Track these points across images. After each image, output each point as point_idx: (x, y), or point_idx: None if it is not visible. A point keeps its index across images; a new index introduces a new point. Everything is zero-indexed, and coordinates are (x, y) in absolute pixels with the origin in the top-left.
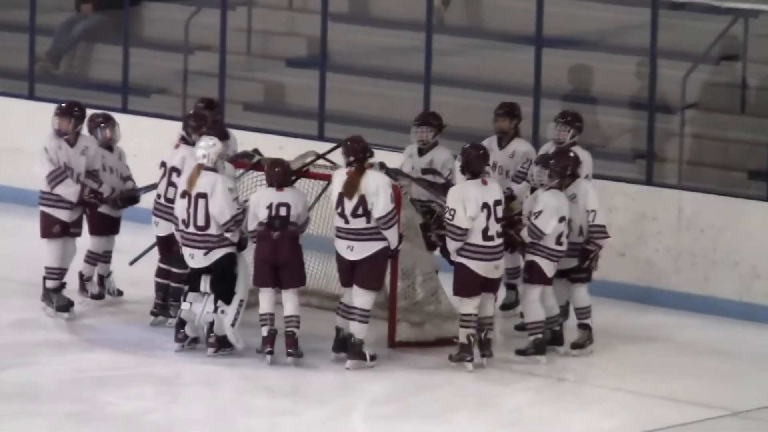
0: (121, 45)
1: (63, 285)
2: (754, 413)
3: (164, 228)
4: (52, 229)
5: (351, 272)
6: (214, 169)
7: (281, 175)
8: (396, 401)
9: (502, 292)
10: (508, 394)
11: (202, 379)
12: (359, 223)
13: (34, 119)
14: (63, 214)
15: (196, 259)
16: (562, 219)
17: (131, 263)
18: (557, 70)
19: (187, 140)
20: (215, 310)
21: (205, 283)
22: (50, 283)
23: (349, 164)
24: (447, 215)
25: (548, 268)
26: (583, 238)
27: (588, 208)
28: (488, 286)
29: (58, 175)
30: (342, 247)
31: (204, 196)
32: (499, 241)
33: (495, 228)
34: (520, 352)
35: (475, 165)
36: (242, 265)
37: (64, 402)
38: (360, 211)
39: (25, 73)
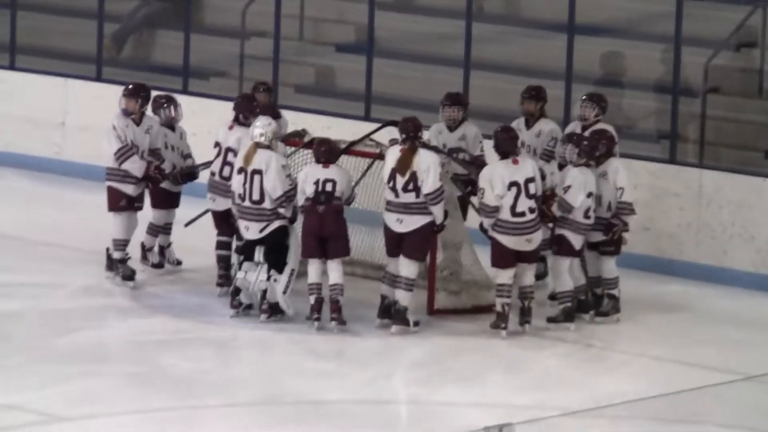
0: (182, 31)
1: (128, 256)
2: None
3: (221, 203)
4: (119, 202)
5: (398, 243)
6: (269, 147)
7: (328, 153)
8: (434, 365)
9: None
10: (539, 359)
11: (254, 342)
12: (409, 198)
13: (101, 99)
14: (129, 189)
15: (251, 231)
16: (589, 194)
17: (186, 225)
18: (588, 55)
19: (241, 122)
20: (268, 279)
21: (258, 254)
22: (117, 254)
23: (402, 142)
24: (478, 194)
25: (576, 241)
26: (611, 214)
27: (617, 186)
28: (523, 257)
29: (125, 152)
30: (391, 219)
31: (259, 172)
32: (530, 216)
33: (525, 204)
34: (550, 320)
35: (503, 146)
36: (293, 237)
37: (127, 363)
38: (411, 186)
39: (93, 56)
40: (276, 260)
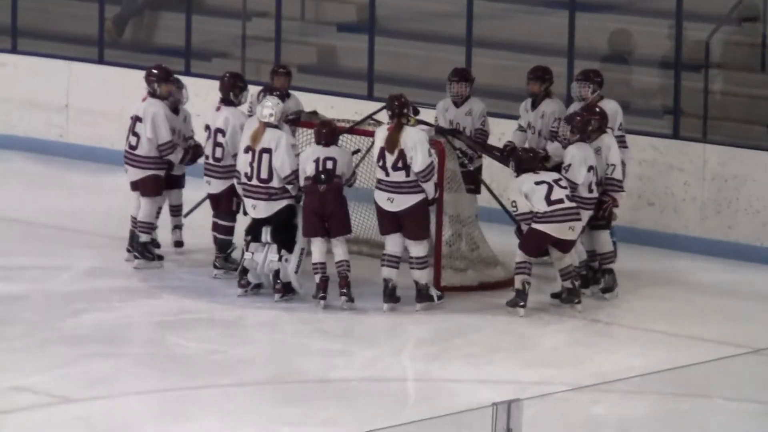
0: (184, 12)
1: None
2: None
3: (216, 186)
4: (158, 189)
5: (390, 221)
6: (277, 127)
7: (328, 134)
8: (441, 342)
9: None
10: (546, 335)
11: (261, 322)
12: (399, 176)
13: (103, 82)
14: (163, 174)
15: (258, 209)
16: (590, 168)
17: (185, 215)
18: (590, 32)
19: (230, 101)
20: (280, 259)
21: (266, 234)
22: (144, 237)
23: (390, 119)
24: (511, 207)
25: (584, 216)
26: (600, 190)
27: (609, 162)
28: (560, 246)
29: (172, 145)
30: (382, 198)
31: (268, 151)
32: (569, 204)
33: (561, 193)
34: (555, 296)
35: (526, 164)
36: (300, 216)
37: (135, 343)
38: (400, 164)
39: (95, 39)
40: (285, 239)
